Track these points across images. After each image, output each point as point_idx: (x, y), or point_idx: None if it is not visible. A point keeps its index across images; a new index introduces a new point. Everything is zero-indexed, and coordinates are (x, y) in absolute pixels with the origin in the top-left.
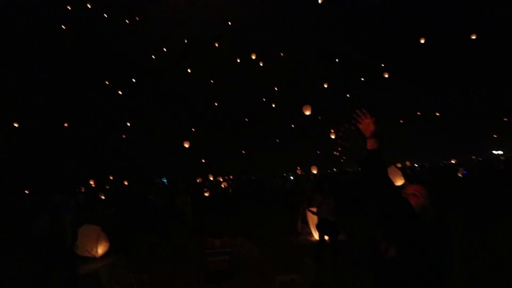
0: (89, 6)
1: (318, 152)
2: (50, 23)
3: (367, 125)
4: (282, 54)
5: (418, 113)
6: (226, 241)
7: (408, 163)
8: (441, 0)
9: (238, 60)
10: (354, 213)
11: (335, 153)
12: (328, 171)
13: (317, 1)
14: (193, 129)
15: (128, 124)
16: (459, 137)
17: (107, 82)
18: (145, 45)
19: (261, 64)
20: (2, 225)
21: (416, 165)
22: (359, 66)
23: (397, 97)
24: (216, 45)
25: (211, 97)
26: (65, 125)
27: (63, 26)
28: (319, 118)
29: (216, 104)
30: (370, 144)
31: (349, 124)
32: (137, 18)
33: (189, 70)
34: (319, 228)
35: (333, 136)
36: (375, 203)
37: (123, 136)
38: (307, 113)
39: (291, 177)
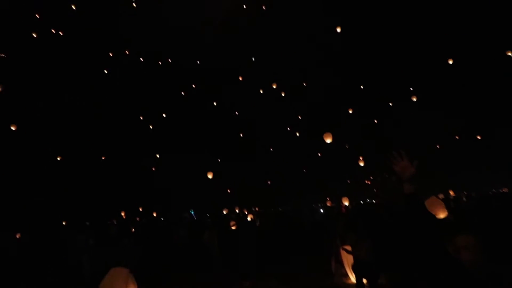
0: None
1: (348, 181)
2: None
3: (404, 168)
4: (305, 84)
5: (457, 137)
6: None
7: (452, 193)
8: (468, 19)
9: (261, 91)
10: (395, 254)
11: (366, 182)
12: (361, 202)
13: (336, 30)
14: (218, 160)
15: (157, 155)
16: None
17: (141, 118)
18: (174, 87)
19: (282, 95)
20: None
21: (461, 195)
22: (386, 91)
23: (431, 120)
24: (240, 78)
25: (235, 127)
26: (102, 158)
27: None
28: (346, 146)
29: (241, 134)
30: (407, 189)
31: (386, 173)
32: (169, 60)
33: (214, 103)
34: (355, 269)
35: (362, 164)
36: (416, 251)
37: (153, 169)
38: (328, 141)
39: (321, 210)
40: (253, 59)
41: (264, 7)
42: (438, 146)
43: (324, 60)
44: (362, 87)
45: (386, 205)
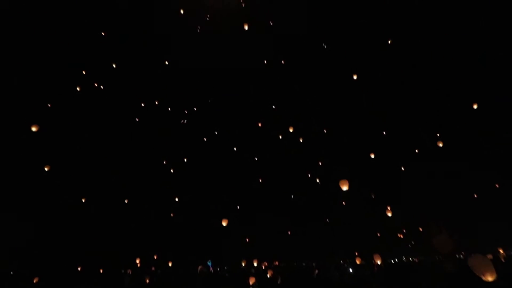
0: None
1: (378, 234)
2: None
3: (443, 243)
4: (325, 131)
5: (496, 185)
6: None
7: (501, 252)
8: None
9: (280, 137)
10: None
11: (399, 235)
12: (395, 260)
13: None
14: (237, 207)
15: (176, 199)
16: None
17: (164, 162)
18: (196, 132)
19: (300, 140)
20: None
21: None
22: (409, 138)
23: (466, 168)
24: (259, 125)
25: (255, 174)
26: (125, 201)
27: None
28: (373, 196)
29: (260, 180)
30: (448, 268)
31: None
32: (195, 108)
33: (234, 148)
34: None
35: (389, 214)
36: None
37: (171, 215)
38: (345, 188)
39: (350, 269)
40: (273, 107)
41: (283, 62)
42: (475, 196)
43: (345, 106)
44: (384, 133)
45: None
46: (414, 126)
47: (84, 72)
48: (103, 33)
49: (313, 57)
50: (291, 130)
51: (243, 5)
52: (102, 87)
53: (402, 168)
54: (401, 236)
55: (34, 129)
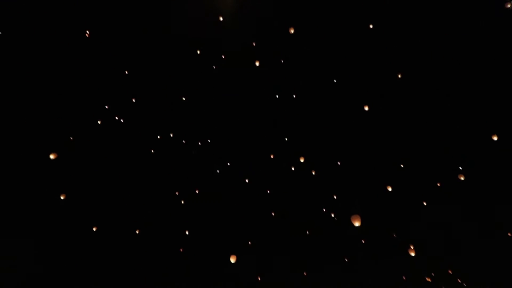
0: None
1: (404, 277)
2: None
3: None
4: (339, 163)
5: None
6: None
7: None
8: None
9: (293, 168)
10: None
11: (427, 279)
12: None
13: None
14: (249, 242)
15: (187, 232)
16: None
17: (176, 193)
18: (207, 163)
19: (313, 173)
20: None
21: None
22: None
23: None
24: (272, 156)
25: (267, 208)
26: (136, 232)
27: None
28: (394, 235)
29: (273, 214)
30: None
31: None
32: (208, 140)
33: (246, 180)
34: None
35: (412, 254)
36: None
37: (180, 249)
38: (357, 224)
39: None
40: (286, 139)
41: (294, 96)
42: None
43: (361, 137)
44: (402, 165)
45: None
46: (436, 157)
47: (106, 107)
48: (126, 72)
49: (326, 88)
50: (301, 161)
51: (253, 44)
52: (122, 120)
53: (424, 203)
54: (429, 280)
55: (52, 157)
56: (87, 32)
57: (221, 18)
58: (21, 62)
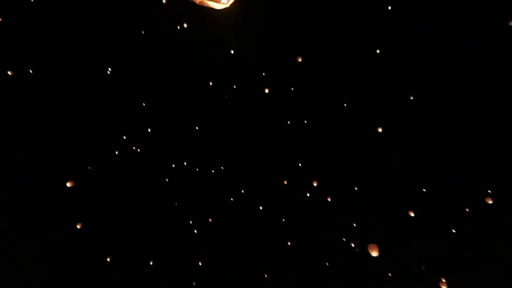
0: None
1: None
2: None
3: None
4: (356, 189)
5: None
6: None
7: None
8: None
9: (308, 194)
10: None
11: None
12: None
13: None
14: (265, 275)
15: (200, 263)
16: None
17: (190, 222)
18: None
19: (329, 200)
20: None
21: None
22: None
23: None
24: (285, 183)
25: (283, 236)
26: (151, 263)
27: None
28: (423, 268)
29: (289, 243)
30: None
31: None
32: (222, 167)
33: (260, 207)
34: None
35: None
36: None
37: (193, 283)
38: (374, 254)
39: None
40: (299, 164)
41: (305, 122)
42: None
43: (377, 160)
44: (424, 190)
45: None
46: (463, 180)
47: (124, 137)
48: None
49: (337, 111)
50: (315, 185)
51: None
52: (139, 150)
53: (453, 230)
54: None
55: (69, 185)
56: (109, 69)
57: (232, 52)
58: (40, 85)
